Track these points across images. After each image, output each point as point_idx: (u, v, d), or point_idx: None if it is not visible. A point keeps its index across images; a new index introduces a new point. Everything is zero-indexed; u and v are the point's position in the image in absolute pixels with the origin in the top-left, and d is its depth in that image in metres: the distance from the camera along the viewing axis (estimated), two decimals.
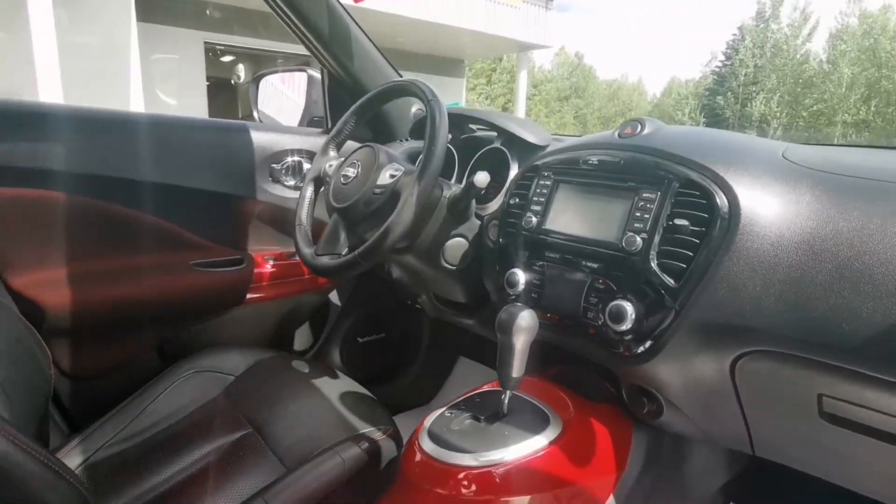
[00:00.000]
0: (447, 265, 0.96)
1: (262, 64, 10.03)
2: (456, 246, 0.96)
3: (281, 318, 1.30)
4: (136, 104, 6.71)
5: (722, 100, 28.67)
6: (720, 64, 30.94)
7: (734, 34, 30.12)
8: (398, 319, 1.47)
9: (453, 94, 14.39)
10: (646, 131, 0.78)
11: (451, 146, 1.10)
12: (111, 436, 0.89)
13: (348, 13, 1.14)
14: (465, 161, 1.09)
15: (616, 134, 0.80)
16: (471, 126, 1.12)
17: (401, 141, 1.26)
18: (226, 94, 10.07)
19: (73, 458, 0.84)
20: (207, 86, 8.97)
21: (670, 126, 0.80)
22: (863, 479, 0.69)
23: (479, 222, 0.97)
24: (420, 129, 1.16)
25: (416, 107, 1.29)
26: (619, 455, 0.78)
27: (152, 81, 7.05)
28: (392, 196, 0.84)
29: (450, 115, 1.10)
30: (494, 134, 1.05)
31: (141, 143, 1.06)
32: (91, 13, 5.95)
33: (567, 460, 0.71)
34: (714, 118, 29.75)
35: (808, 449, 0.71)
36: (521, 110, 13.50)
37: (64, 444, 0.87)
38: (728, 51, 30.22)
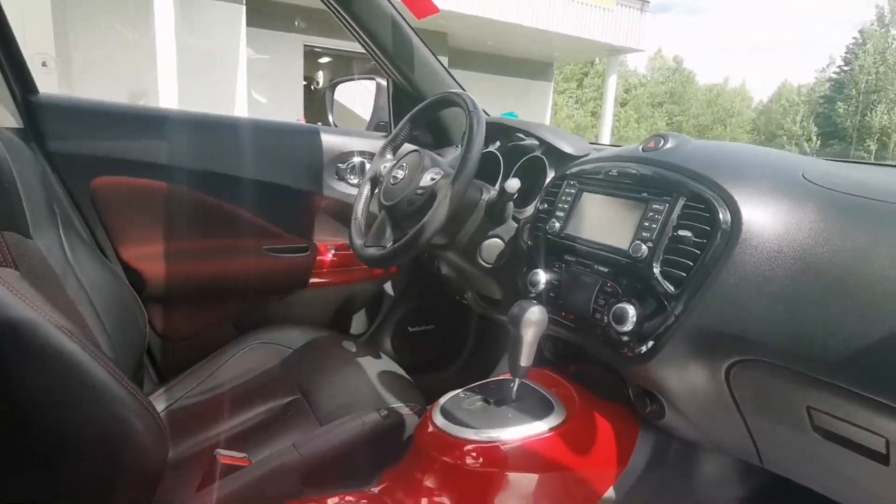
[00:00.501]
0: (483, 263, 1.04)
1: (355, 65, 10.57)
2: (492, 246, 1.03)
3: (340, 302, 1.43)
4: (240, 100, 7.33)
5: (841, 107, 26.23)
6: (838, 70, 28.32)
7: (854, 38, 27.46)
8: (447, 313, 1.56)
9: (540, 98, 14.31)
10: (668, 146, 0.82)
11: (497, 152, 1.17)
12: (188, 389, 1.05)
13: (412, 28, 1.25)
14: (510, 166, 1.16)
15: (640, 148, 0.85)
16: (518, 135, 1.19)
17: (456, 146, 1.35)
18: (320, 93, 10.73)
19: (158, 404, 1.01)
20: (304, 85, 9.60)
21: (697, 141, 0.83)
22: (863, 499, 0.69)
23: (515, 225, 1.04)
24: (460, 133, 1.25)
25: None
26: (622, 451, 0.82)
27: (254, 80, 7.65)
28: (430, 197, 0.93)
29: (497, 124, 1.19)
30: (537, 143, 1.11)
31: (226, 142, 1.23)
32: (207, 19, 6.57)
33: (566, 448, 0.77)
34: (829, 128, 27.27)
35: (811, 465, 0.72)
36: (608, 115, 13.16)
37: (152, 391, 1.05)
38: (847, 55, 27.59)
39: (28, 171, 0.84)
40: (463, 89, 1.35)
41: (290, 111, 8.30)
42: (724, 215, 0.68)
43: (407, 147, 1.13)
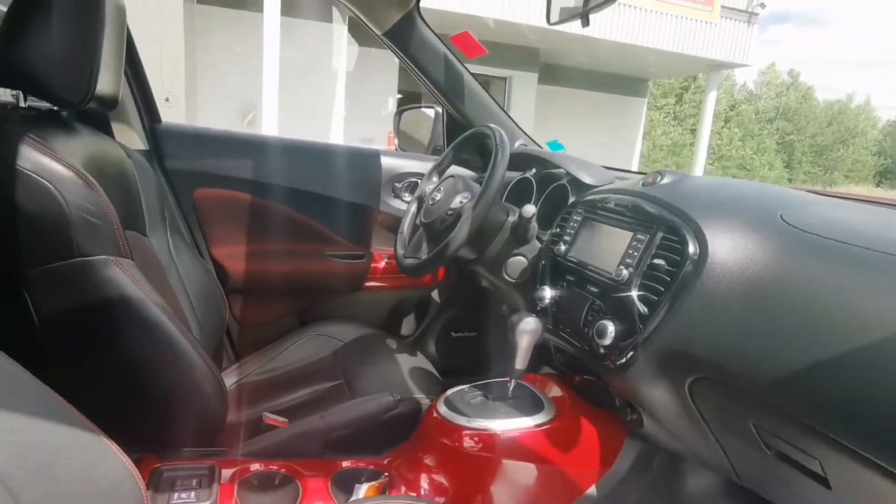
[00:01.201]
0: (508, 278, 1.17)
1: None
2: (515, 262, 1.16)
3: (390, 305, 1.61)
4: (337, 112, 7.89)
5: None
6: None
7: None
8: (488, 323, 1.69)
9: (632, 115, 13.94)
10: (664, 181, 0.90)
11: (532, 178, 1.29)
12: (255, 367, 1.27)
13: (463, 65, 1.41)
14: (542, 191, 1.28)
15: (641, 182, 0.94)
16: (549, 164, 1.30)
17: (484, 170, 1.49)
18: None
19: (231, 376, 1.24)
20: (399, 98, 10.08)
21: (693, 178, 0.91)
22: None
23: (538, 245, 1.15)
24: (517, 162, 1.37)
25: (518, 142, 1.51)
26: (606, 453, 0.91)
27: (351, 94, 8.18)
28: (457, 217, 1.08)
29: (531, 154, 1.31)
30: (564, 171, 1.22)
31: (302, 163, 1.46)
32: (311, 37, 7.16)
33: (551, 444, 0.88)
34: None
35: (776, 485, 0.77)
36: (705, 133, 12.54)
37: (228, 366, 1.28)
38: None
39: (149, 184, 1.09)
40: (512, 120, 1.49)
41: (383, 120, 8.76)
42: (693, 247, 0.76)
43: (450, 171, 1.29)
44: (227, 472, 0.82)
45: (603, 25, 10.35)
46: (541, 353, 1.09)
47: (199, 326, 1.09)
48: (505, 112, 1.49)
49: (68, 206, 0.74)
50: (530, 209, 1.05)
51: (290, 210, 1.44)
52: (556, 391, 0.98)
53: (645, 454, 0.94)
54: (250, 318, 1.45)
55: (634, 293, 0.81)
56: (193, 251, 1.26)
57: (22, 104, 0.83)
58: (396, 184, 1.53)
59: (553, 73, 12.17)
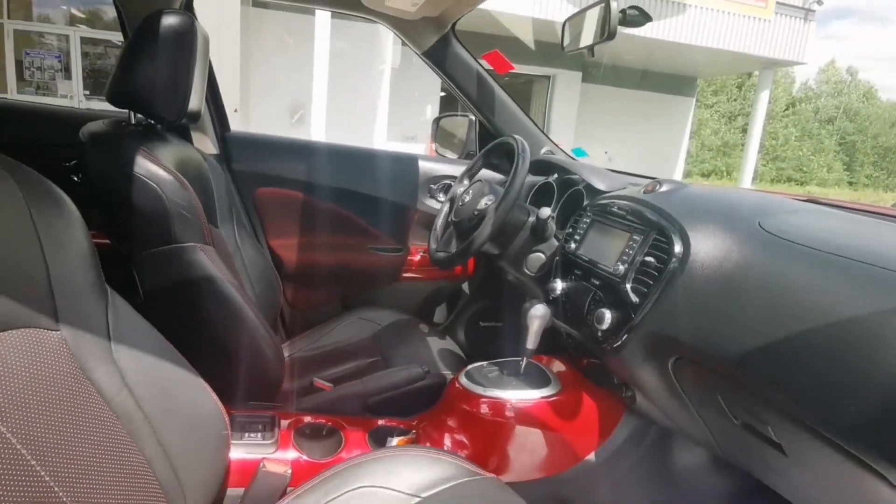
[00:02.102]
0: (528, 272, 1.31)
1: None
2: (535, 258, 1.30)
3: (425, 295, 1.78)
4: (381, 111, 8.14)
5: None
6: None
7: None
8: (513, 314, 1.83)
9: (679, 114, 13.67)
10: (662, 189, 1.03)
11: (553, 183, 1.43)
12: (304, 345, 1.46)
13: (493, 78, 1.55)
14: (560, 195, 1.41)
15: (642, 190, 1.07)
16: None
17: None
18: (454, 106, 11.38)
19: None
20: (442, 96, 10.27)
21: (688, 186, 1.04)
22: (786, 488, 0.85)
23: (556, 243, 1.29)
24: (541, 167, 1.51)
25: (545, 149, 1.65)
26: (605, 425, 1.05)
27: (396, 92, 8.41)
28: (482, 217, 1.23)
29: (553, 162, 1.45)
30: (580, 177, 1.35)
31: (348, 166, 1.64)
32: (359, 37, 7.42)
33: (554, 414, 1.02)
34: None
35: (748, 454, 0.89)
36: (756, 133, 12.17)
37: (281, 342, 1.48)
38: None
39: (220, 183, 1.29)
40: (539, 128, 1.63)
41: (426, 118, 8.97)
42: (678, 247, 0.89)
43: (479, 175, 1.44)
44: (284, 422, 1.00)
45: (650, 24, 10.23)
46: (554, 338, 1.23)
47: (259, 305, 1.28)
48: (532, 121, 1.62)
49: (169, 203, 0.93)
50: (546, 211, 1.19)
51: (337, 207, 1.62)
52: (563, 370, 1.12)
53: (640, 429, 1.07)
54: (300, 303, 1.64)
55: (628, 286, 0.94)
56: (254, 242, 1.46)
57: (132, 121, 1.03)
58: (432, 185, 1.69)
59: (597, 71, 12.08)
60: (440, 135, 1.89)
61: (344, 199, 1.62)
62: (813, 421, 0.65)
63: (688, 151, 15.46)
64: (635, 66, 12.51)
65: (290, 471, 0.87)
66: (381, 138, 7.98)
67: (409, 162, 1.68)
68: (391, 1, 1.24)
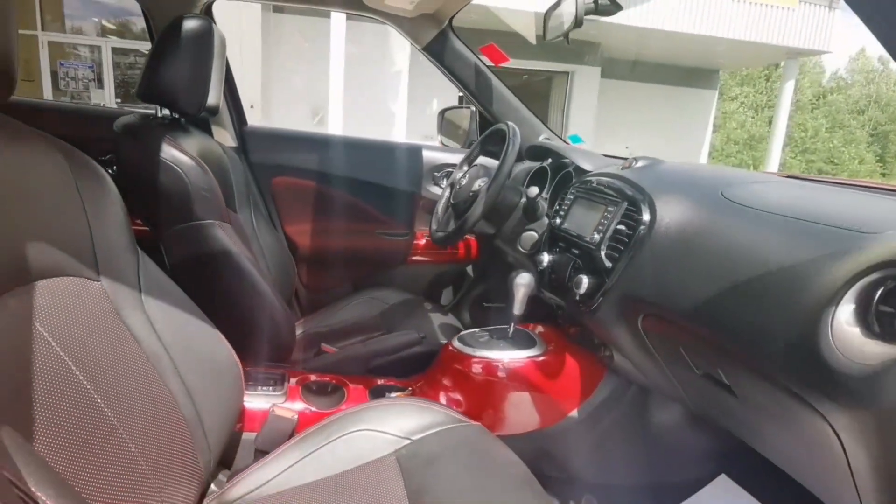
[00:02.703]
0: (521, 250, 1.40)
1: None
2: (528, 237, 1.39)
3: (431, 278, 1.89)
4: (400, 111, 8.29)
5: None
6: None
7: None
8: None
9: (701, 107, 13.50)
10: (637, 165, 1.12)
11: (548, 167, 1.52)
12: (316, 322, 1.58)
13: (490, 71, 1.65)
14: (553, 178, 1.50)
15: (621, 167, 1.15)
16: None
17: (522, 161, 1.72)
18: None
19: (298, 328, 1.55)
20: (460, 97, 10.37)
21: (661, 163, 1.12)
22: (745, 432, 0.93)
23: (547, 221, 1.38)
24: (538, 153, 1.60)
25: (542, 136, 1.73)
26: (587, 384, 1.14)
27: (414, 92, 8.54)
28: (474, 198, 1.33)
29: (547, 147, 1.54)
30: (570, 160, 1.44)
31: (358, 156, 1.76)
32: (375, 39, 7.58)
33: (540, 373, 1.12)
34: None
35: (713, 405, 0.97)
36: (781, 125, 11.95)
37: (296, 320, 1.60)
38: None
39: (238, 173, 1.41)
40: (542, 121, 1.71)
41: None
42: (646, 216, 0.97)
43: (478, 161, 1.53)
44: (293, 379, 1.11)
45: (668, 16, 10.15)
46: (544, 310, 1.32)
47: (274, 283, 1.40)
48: (529, 110, 1.71)
49: (190, 185, 1.05)
50: (534, 190, 1.28)
51: (347, 195, 1.74)
52: (549, 336, 1.21)
53: (619, 388, 1.15)
54: (313, 284, 1.77)
55: (602, 252, 1.03)
56: (270, 227, 1.58)
57: (159, 115, 1.16)
58: (435, 173, 1.79)
59: (616, 66, 12.02)
60: (445, 126, 1.99)
61: (354, 187, 1.74)
62: (750, 357, 0.73)
63: (711, 145, 15.24)
64: (655, 60, 12.41)
65: (296, 416, 0.98)
66: (400, 138, 8.13)
67: (414, 152, 1.78)
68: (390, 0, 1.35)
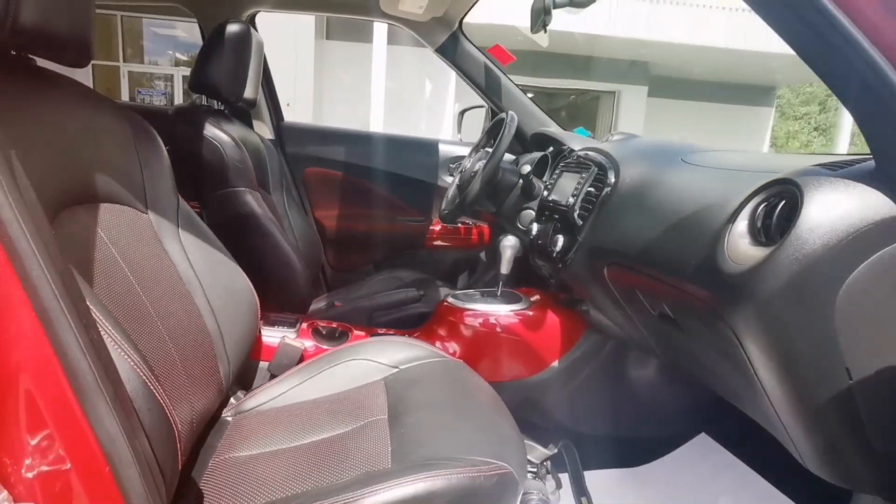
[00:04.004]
0: (520, 227, 1.54)
1: (553, 98, 11.29)
2: (526, 214, 1.52)
3: (448, 262, 2.04)
4: (445, 134, 8.58)
5: None
6: None
7: None
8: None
9: (757, 126, 13.12)
10: (614, 139, 1.24)
11: (549, 155, 1.65)
12: (340, 295, 1.76)
13: (500, 68, 1.81)
14: (553, 162, 1.63)
15: (603, 140, 1.28)
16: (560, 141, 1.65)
17: (529, 151, 1.86)
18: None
19: (321, 302, 1.73)
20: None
21: (637, 137, 1.24)
22: (698, 371, 1.01)
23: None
24: (541, 140, 1.74)
25: (540, 128, 1.87)
26: (567, 339, 1.25)
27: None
28: (474, 178, 1.48)
29: (548, 135, 1.67)
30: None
31: (383, 150, 1.95)
32: (413, 69, 7.93)
33: (525, 327, 1.24)
34: None
35: (671, 348, 1.06)
36: (843, 140, 11.44)
37: (322, 293, 1.79)
38: None
39: (273, 161, 1.62)
40: (543, 111, 1.85)
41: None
42: (612, 177, 1.10)
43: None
44: (304, 324, 1.28)
45: (718, 33, 10.05)
46: (539, 280, 1.44)
47: (304, 264, 1.60)
48: (536, 105, 1.86)
49: (227, 157, 1.26)
50: (526, 167, 1.42)
51: (371, 184, 1.93)
52: (535, 297, 1.33)
53: (598, 343, 1.25)
54: (338, 263, 1.96)
55: (576, 213, 1.15)
56: (302, 212, 1.79)
57: (205, 104, 1.39)
58: (451, 165, 1.96)
59: (664, 85, 11.93)
60: (464, 125, 2.16)
61: (377, 177, 1.93)
62: (678, 283, 0.84)
63: None
64: (705, 77, 12.22)
65: (304, 345, 1.15)
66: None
67: (432, 145, 1.96)
68: (403, 5, 1.54)
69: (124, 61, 8.43)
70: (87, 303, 0.55)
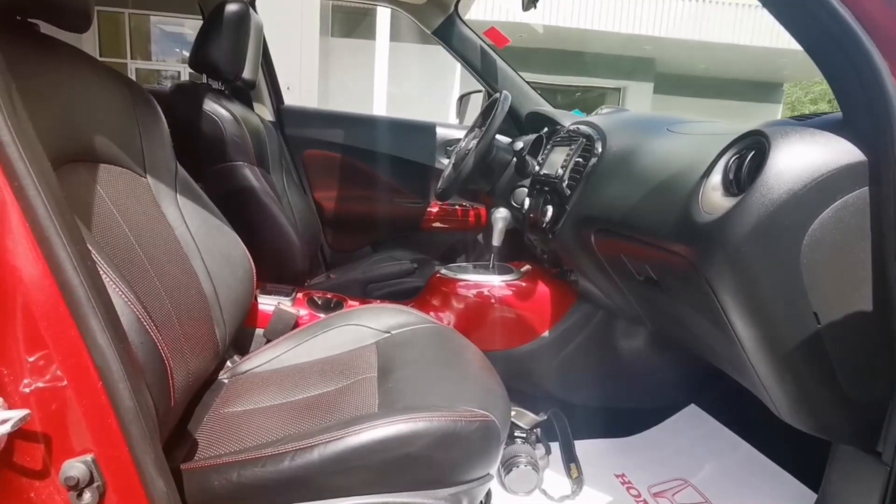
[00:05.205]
0: (514, 204, 1.56)
1: (559, 96, 11.28)
2: (520, 192, 1.54)
3: (445, 245, 2.06)
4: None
5: None
6: None
7: None
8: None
9: (762, 121, 13.01)
10: (604, 112, 1.26)
11: (543, 135, 1.67)
12: (339, 276, 1.79)
13: (496, 52, 1.83)
14: (548, 142, 1.65)
15: (594, 113, 1.30)
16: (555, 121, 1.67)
17: (525, 133, 1.88)
18: None
19: (321, 284, 1.77)
20: None
21: (626, 111, 1.26)
22: (682, 333, 1.03)
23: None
24: (536, 120, 1.76)
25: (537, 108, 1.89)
26: (557, 309, 1.27)
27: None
28: (468, 156, 1.50)
29: (543, 114, 1.70)
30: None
31: (380, 132, 1.98)
32: (416, 66, 7.96)
33: (516, 297, 1.26)
34: None
35: (659, 314, 1.08)
36: None
37: (321, 273, 1.82)
38: None
39: (273, 142, 1.66)
40: (538, 93, 1.87)
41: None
42: (599, 147, 1.12)
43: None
44: (300, 294, 1.31)
45: (724, 28, 10.01)
46: (532, 257, 1.47)
47: (303, 245, 1.63)
48: (532, 88, 1.88)
49: (226, 133, 1.29)
50: (519, 144, 1.44)
51: (370, 166, 1.96)
52: (526, 267, 1.35)
53: (588, 313, 1.28)
54: (337, 244, 1.99)
55: (564, 184, 1.18)
56: (301, 192, 1.82)
57: (205, 82, 1.42)
58: (448, 147, 1.99)
59: (671, 82, 11.91)
60: (462, 110, 2.19)
61: (376, 159, 1.96)
62: (658, 241, 0.86)
63: None
64: (712, 74, 12.18)
65: (299, 312, 1.18)
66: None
67: (429, 129, 1.99)
68: None
69: (132, 59, 8.51)
70: (86, 244, 0.58)
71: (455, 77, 8.49)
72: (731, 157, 0.73)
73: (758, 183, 0.64)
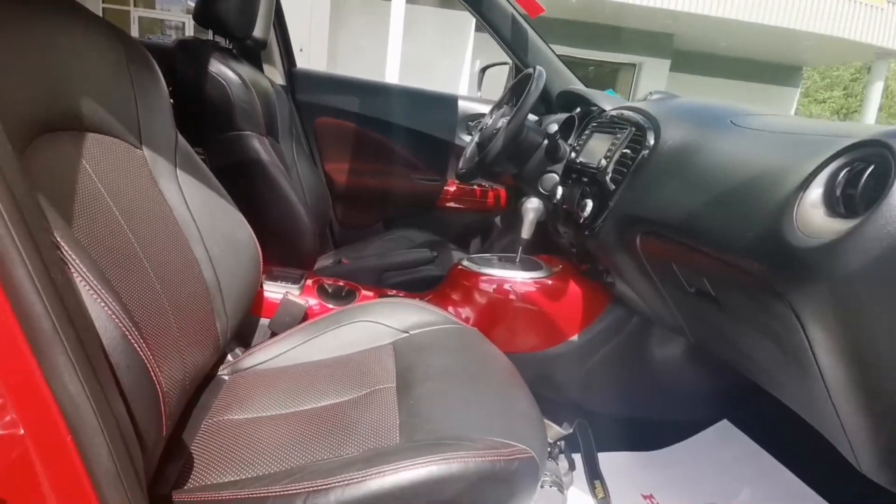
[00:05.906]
0: (542, 191, 1.44)
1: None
2: (549, 178, 1.42)
3: (461, 227, 1.95)
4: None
5: None
6: None
7: None
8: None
9: (780, 106, 12.72)
10: (653, 98, 1.13)
11: (576, 116, 1.54)
12: (349, 253, 1.68)
13: (528, 22, 1.68)
14: (581, 124, 1.52)
15: (641, 98, 1.17)
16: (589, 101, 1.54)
17: (553, 112, 1.74)
18: None
19: (327, 259, 1.66)
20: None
21: (678, 97, 1.13)
22: (735, 355, 0.93)
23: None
24: (568, 99, 1.62)
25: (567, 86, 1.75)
26: (589, 312, 1.17)
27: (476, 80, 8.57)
28: (496, 136, 1.38)
29: (576, 93, 1.56)
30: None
31: (397, 103, 1.84)
32: (432, 31, 7.67)
33: (544, 296, 1.16)
34: None
35: (707, 328, 0.98)
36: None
37: (330, 250, 1.71)
38: None
39: (283, 108, 1.52)
40: (570, 70, 1.74)
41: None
42: (651, 139, 0.99)
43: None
44: (309, 281, 1.21)
45: (747, 7, 9.64)
46: (558, 248, 1.36)
47: (312, 218, 1.51)
48: (562, 62, 1.74)
49: (234, 98, 1.17)
50: (553, 126, 1.31)
51: (385, 138, 1.83)
52: (558, 267, 1.24)
53: (621, 318, 1.17)
54: (348, 220, 1.88)
55: (608, 177, 1.06)
56: (311, 162, 1.69)
57: (211, 39, 1.28)
58: (470, 123, 1.85)
59: (688, 60, 11.56)
60: (484, 83, 2.04)
61: (392, 131, 1.83)
62: (727, 256, 0.75)
63: None
64: (731, 53, 11.83)
65: (309, 303, 1.08)
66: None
67: (450, 101, 1.85)
68: None
69: (135, 6, 8.18)
70: (56, 238, 0.47)
71: (468, 46, 8.20)
72: (838, 170, 0.61)
73: (883, 207, 0.53)
